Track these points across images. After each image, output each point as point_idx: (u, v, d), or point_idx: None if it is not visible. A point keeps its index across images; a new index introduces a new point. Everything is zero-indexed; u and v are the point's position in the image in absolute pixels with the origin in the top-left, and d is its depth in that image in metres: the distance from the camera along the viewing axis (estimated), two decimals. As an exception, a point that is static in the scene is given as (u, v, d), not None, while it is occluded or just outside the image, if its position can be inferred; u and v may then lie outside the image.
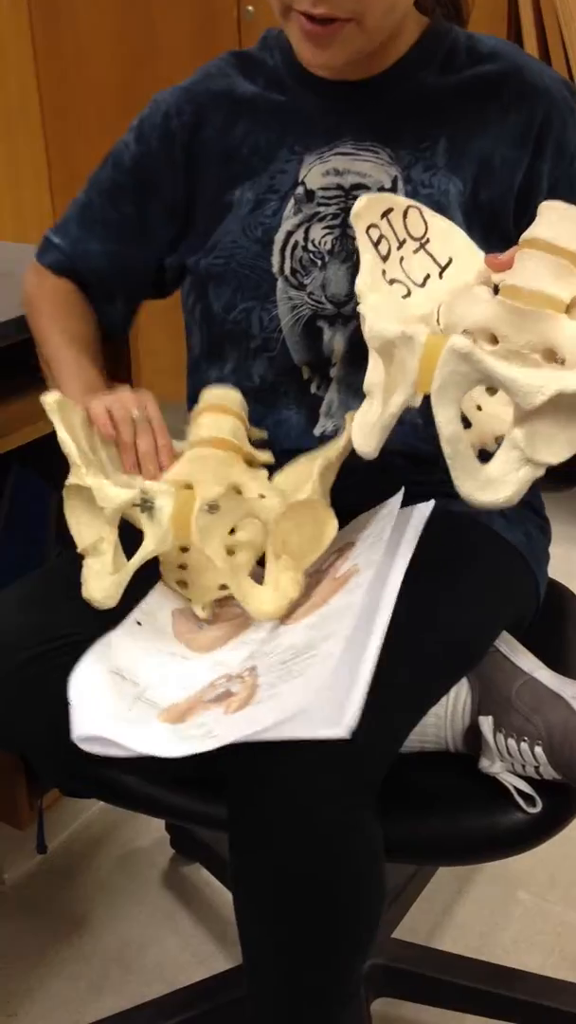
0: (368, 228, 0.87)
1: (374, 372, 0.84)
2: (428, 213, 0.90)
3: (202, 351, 1.15)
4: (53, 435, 1.37)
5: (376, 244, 0.87)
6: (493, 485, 0.76)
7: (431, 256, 0.89)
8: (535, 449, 0.75)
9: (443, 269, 0.89)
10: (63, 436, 0.95)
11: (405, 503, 0.98)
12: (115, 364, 1.45)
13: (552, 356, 0.78)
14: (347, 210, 1.03)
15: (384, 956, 1.29)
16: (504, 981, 1.30)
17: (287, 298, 1.06)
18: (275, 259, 1.05)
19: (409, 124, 1.03)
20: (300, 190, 1.05)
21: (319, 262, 1.04)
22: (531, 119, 1.01)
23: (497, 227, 1.02)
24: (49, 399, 0.98)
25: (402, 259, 0.88)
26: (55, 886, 1.55)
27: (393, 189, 1.02)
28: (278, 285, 1.06)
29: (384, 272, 0.86)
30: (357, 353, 1.04)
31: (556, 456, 0.75)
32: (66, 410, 0.98)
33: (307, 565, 0.95)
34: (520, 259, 0.81)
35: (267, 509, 0.93)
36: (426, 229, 0.89)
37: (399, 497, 0.96)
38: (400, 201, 0.89)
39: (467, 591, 0.98)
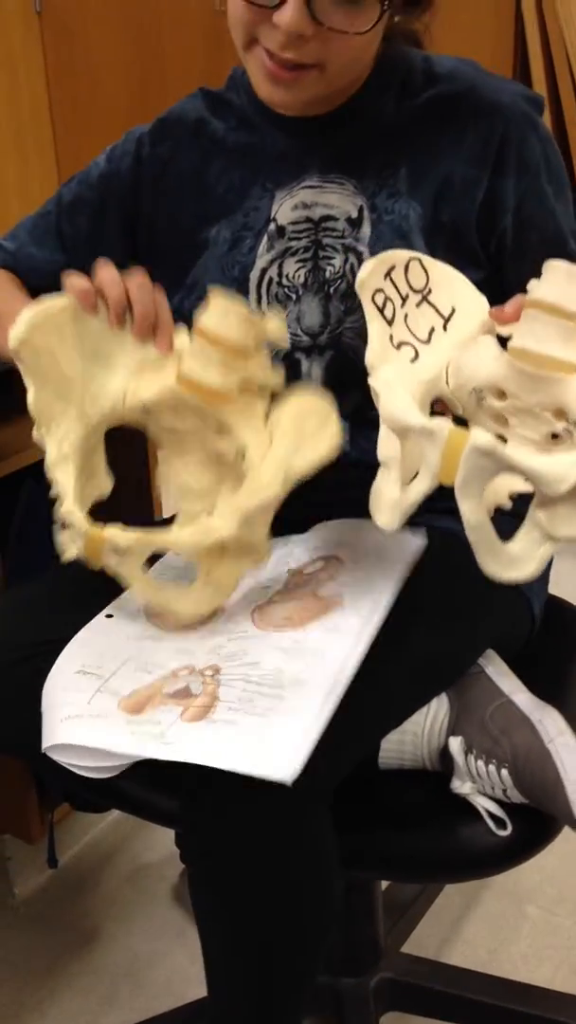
0: (373, 294, 0.87)
1: (388, 445, 0.85)
2: (428, 261, 0.90)
3: None
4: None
5: (382, 310, 0.87)
6: (516, 564, 0.80)
7: (434, 307, 0.89)
8: (556, 528, 0.79)
9: (447, 320, 0.89)
10: (28, 382, 0.94)
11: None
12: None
13: (562, 415, 0.81)
14: (318, 242, 1.04)
15: (393, 971, 1.29)
16: (513, 996, 1.30)
17: None
18: (252, 296, 1.07)
19: (371, 154, 1.04)
20: (272, 227, 1.06)
21: (293, 296, 1.05)
22: (489, 136, 1.01)
23: (460, 246, 1.02)
24: (25, 314, 0.93)
25: (407, 316, 0.88)
26: (65, 900, 1.56)
27: (359, 219, 1.03)
28: None
29: (391, 337, 0.87)
30: (335, 381, 1.06)
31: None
32: (49, 318, 0.94)
33: (234, 590, 0.97)
34: (527, 320, 0.82)
35: (181, 544, 0.93)
36: (427, 279, 0.90)
37: (404, 541, 0.98)
38: (400, 256, 0.89)
39: (444, 610, 0.99)
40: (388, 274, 0.88)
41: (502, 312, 0.85)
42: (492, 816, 0.93)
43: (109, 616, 1.00)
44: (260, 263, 1.06)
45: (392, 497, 0.83)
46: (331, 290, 1.04)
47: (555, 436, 0.82)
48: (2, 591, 1.34)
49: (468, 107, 1.02)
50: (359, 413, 1.06)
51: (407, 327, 0.88)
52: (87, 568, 1.10)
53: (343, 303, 1.04)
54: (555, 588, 1.17)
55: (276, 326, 0.96)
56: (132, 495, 1.54)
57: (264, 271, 1.06)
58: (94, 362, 0.96)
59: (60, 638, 0.97)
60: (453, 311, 0.89)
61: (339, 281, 1.04)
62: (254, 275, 1.06)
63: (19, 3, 2.75)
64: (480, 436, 0.75)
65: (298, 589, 0.98)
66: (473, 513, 0.77)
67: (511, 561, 0.79)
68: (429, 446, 0.78)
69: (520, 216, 1.02)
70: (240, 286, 1.06)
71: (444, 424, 0.77)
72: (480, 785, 0.94)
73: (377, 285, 0.87)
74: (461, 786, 0.94)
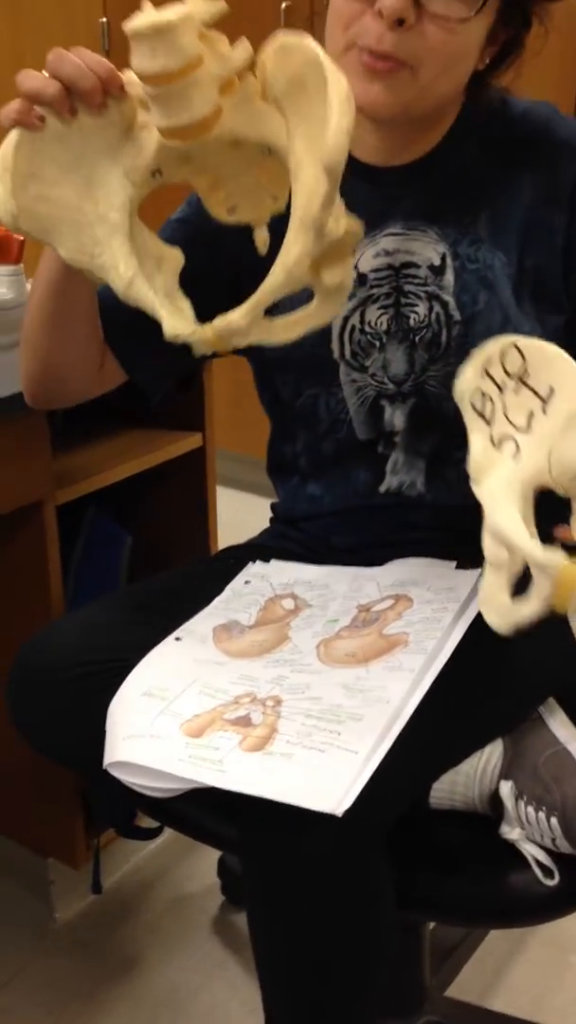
0: (472, 400, 0.86)
1: (498, 550, 0.84)
2: (523, 343, 0.87)
3: (276, 431, 1.18)
4: (130, 480, 1.40)
5: (481, 412, 0.86)
6: None
7: (532, 390, 0.87)
8: None
9: (545, 402, 0.87)
10: (45, 243, 0.87)
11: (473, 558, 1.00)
12: (188, 412, 1.48)
13: None
14: (399, 289, 1.04)
15: (438, 1014, 1.28)
16: (558, 1046, 1.28)
17: (351, 380, 1.07)
18: (335, 345, 1.07)
19: (453, 201, 1.04)
20: (354, 274, 1.05)
21: (377, 343, 1.05)
22: (564, 179, 1.02)
23: (544, 291, 1.03)
24: None
25: (505, 406, 0.87)
26: (106, 926, 1.55)
27: (442, 266, 1.03)
28: (340, 369, 1.07)
29: (492, 437, 0.86)
30: (418, 426, 1.06)
31: None
32: (14, 167, 0.83)
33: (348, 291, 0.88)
34: None
35: (283, 273, 0.84)
36: (523, 360, 0.87)
37: (468, 582, 0.98)
38: (494, 349, 0.86)
39: (509, 656, 0.98)
40: (485, 371, 0.87)
41: None
42: (540, 864, 0.92)
43: (178, 639, 1.01)
44: (343, 311, 1.05)
45: (504, 603, 0.83)
46: (416, 339, 1.04)
47: None
48: (65, 614, 1.36)
49: (543, 150, 1.02)
50: (437, 453, 1.07)
51: (507, 418, 0.86)
52: (152, 589, 1.09)
53: (427, 352, 1.04)
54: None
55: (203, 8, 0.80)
56: (191, 531, 1.56)
57: (346, 319, 1.06)
58: (81, 164, 0.85)
59: (126, 657, 0.98)
60: (552, 391, 0.87)
61: (424, 331, 1.04)
62: (336, 323, 1.06)
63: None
64: None
65: (365, 626, 0.98)
66: None
67: None
68: (542, 576, 0.78)
69: None
70: (322, 336, 1.06)
71: (556, 558, 0.77)
72: (529, 832, 0.93)
73: (475, 386, 0.87)
74: (510, 832, 0.94)
